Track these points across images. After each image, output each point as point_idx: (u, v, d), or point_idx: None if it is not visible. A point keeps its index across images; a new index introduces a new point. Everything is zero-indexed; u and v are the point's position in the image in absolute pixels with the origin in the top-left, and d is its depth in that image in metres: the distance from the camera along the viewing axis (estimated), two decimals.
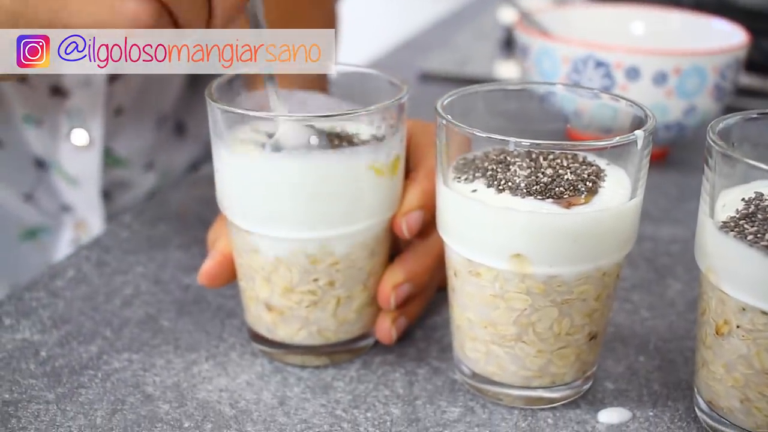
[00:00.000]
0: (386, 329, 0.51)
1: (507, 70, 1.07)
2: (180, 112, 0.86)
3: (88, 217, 0.79)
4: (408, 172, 0.51)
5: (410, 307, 0.52)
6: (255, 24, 0.47)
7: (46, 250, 0.81)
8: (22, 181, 0.79)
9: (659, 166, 0.80)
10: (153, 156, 0.83)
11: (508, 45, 1.13)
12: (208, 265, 0.51)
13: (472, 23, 1.31)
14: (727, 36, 0.79)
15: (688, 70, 0.72)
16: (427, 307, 0.56)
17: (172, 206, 0.71)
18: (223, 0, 0.44)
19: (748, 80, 0.96)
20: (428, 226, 0.50)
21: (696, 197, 0.44)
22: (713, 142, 0.42)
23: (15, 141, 0.77)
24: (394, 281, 0.50)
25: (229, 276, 0.52)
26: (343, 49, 1.36)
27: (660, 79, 0.72)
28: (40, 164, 0.78)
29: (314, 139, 0.46)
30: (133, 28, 0.41)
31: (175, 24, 0.44)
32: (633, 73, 0.72)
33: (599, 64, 0.73)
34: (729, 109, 0.86)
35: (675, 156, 0.82)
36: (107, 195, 0.81)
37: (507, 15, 1.13)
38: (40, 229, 0.81)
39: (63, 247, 0.80)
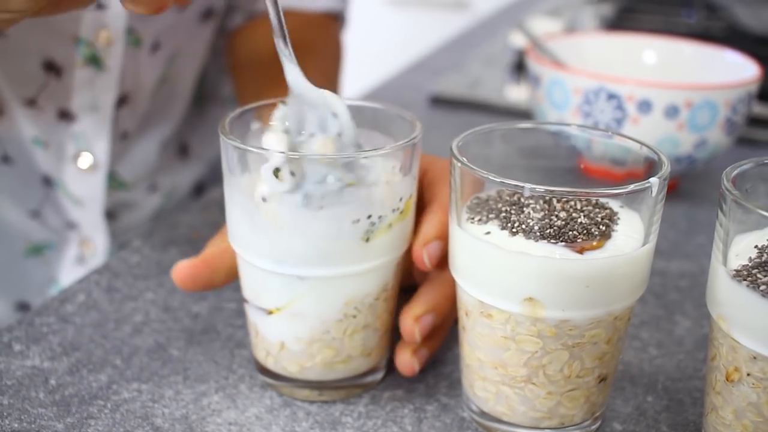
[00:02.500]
0: (407, 361, 0.50)
1: (517, 94, 1.07)
2: (183, 133, 0.87)
3: (93, 236, 0.80)
4: (424, 206, 0.51)
5: (432, 339, 0.51)
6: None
7: (51, 266, 0.82)
8: (30, 197, 0.79)
9: (669, 198, 0.80)
10: (156, 178, 0.84)
11: (519, 69, 1.13)
12: (184, 264, 0.51)
13: (482, 47, 1.32)
14: (740, 69, 0.79)
15: (700, 104, 0.72)
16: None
17: (182, 230, 0.71)
18: None
19: (760, 109, 0.96)
20: (445, 258, 0.50)
21: (705, 230, 0.44)
22: (727, 190, 0.42)
23: (24, 158, 0.77)
24: (415, 314, 0.49)
25: (202, 284, 0.51)
26: (354, 71, 1.37)
27: (672, 112, 0.72)
28: (48, 182, 0.78)
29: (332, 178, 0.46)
30: None
31: None
32: (645, 106, 0.72)
33: (611, 96, 0.73)
34: (740, 140, 0.86)
35: (685, 188, 0.82)
36: (112, 215, 0.81)
37: (518, 39, 1.14)
38: (45, 245, 0.81)
39: (68, 264, 0.81)
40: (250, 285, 0.50)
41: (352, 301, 0.48)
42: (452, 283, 0.51)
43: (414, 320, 0.49)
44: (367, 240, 0.46)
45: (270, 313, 0.49)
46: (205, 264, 0.51)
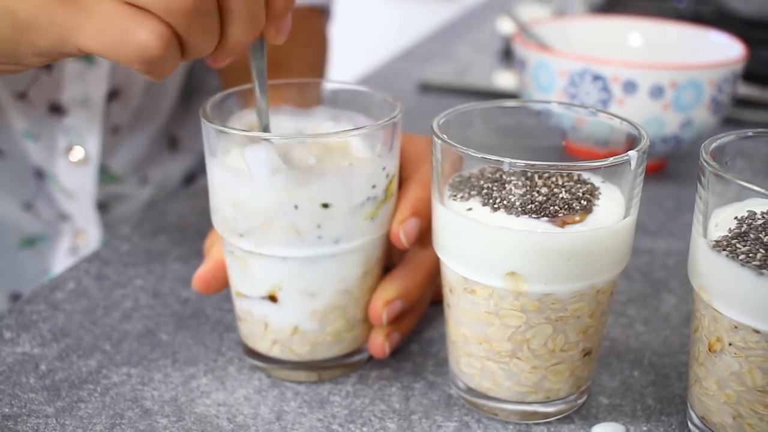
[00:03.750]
0: (379, 344, 0.51)
1: (505, 80, 1.07)
2: (172, 126, 0.87)
3: (86, 227, 0.80)
4: (401, 183, 0.52)
5: (403, 322, 0.52)
6: (257, 69, 0.48)
7: (44, 258, 0.82)
8: (23, 190, 0.80)
9: (656, 178, 0.80)
10: (147, 170, 0.84)
11: (507, 55, 1.13)
12: (202, 271, 0.52)
13: (470, 34, 1.32)
14: (725, 49, 0.80)
15: (685, 84, 0.72)
16: (421, 320, 0.56)
17: (171, 218, 0.71)
18: (237, 34, 0.44)
19: (746, 90, 0.97)
20: (424, 235, 0.50)
21: (692, 210, 0.45)
22: (706, 162, 0.43)
23: (15, 151, 0.78)
24: (386, 298, 0.50)
25: (222, 283, 0.52)
26: (342, 58, 1.37)
27: (657, 92, 0.73)
28: (40, 174, 0.79)
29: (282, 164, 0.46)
30: (140, 58, 0.42)
31: (182, 50, 0.44)
32: (630, 87, 0.73)
33: (596, 77, 0.73)
34: (727, 121, 0.87)
35: (672, 168, 0.83)
36: (104, 207, 0.82)
37: (505, 26, 1.14)
38: (39, 237, 0.81)
39: (61, 256, 0.81)
40: (253, 277, 0.49)
41: (334, 282, 0.49)
42: (426, 268, 0.52)
43: (384, 304, 0.50)
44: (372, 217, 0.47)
45: (273, 299, 0.49)
46: (220, 264, 0.52)
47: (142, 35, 0.41)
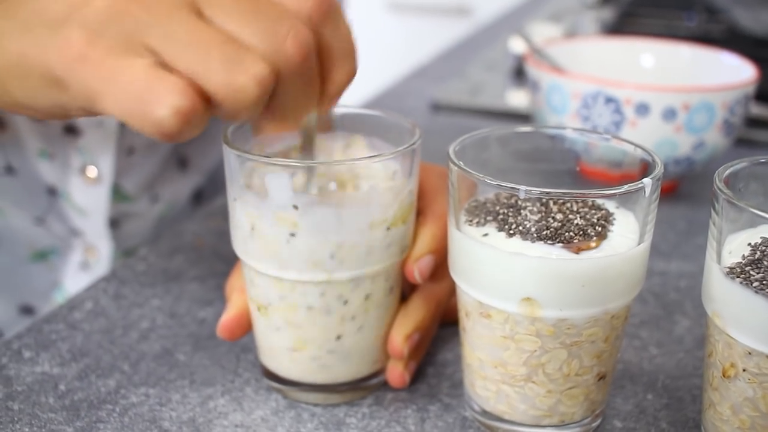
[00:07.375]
0: (399, 374, 0.52)
1: (518, 99, 1.08)
2: (182, 145, 0.88)
3: (97, 243, 0.81)
4: (417, 215, 0.52)
5: (419, 350, 0.53)
6: (307, 140, 0.48)
7: (55, 272, 0.83)
8: (35, 206, 0.80)
9: (669, 199, 0.81)
10: (158, 189, 0.85)
11: (519, 75, 1.14)
12: (225, 320, 0.53)
13: (483, 53, 1.33)
14: (737, 71, 0.80)
15: (697, 106, 0.73)
16: (436, 342, 0.57)
17: (186, 238, 0.72)
18: (284, 112, 0.44)
19: (758, 110, 0.97)
20: (438, 269, 0.51)
21: (705, 231, 0.45)
22: (719, 189, 0.43)
23: (29, 170, 0.79)
24: (405, 333, 0.51)
25: (246, 329, 0.53)
26: (356, 77, 1.38)
27: (669, 114, 0.73)
28: (52, 192, 0.80)
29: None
30: (159, 134, 0.39)
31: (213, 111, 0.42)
32: (642, 109, 0.73)
33: (609, 99, 0.74)
34: (739, 141, 0.87)
35: (684, 189, 0.83)
36: (115, 223, 0.82)
37: (518, 45, 1.15)
38: (50, 251, 0.82)
39: (72, 270, 0.82)
40: (272, 301, 0.50)
41: (354, 306, 0.49)
42: (438, 298, 0.53)
43: (404, 339, 0.51)
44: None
45: (293, 323, 0.50)
46: (242, 311, 0.53)
47: (160, 112, 0.38)
